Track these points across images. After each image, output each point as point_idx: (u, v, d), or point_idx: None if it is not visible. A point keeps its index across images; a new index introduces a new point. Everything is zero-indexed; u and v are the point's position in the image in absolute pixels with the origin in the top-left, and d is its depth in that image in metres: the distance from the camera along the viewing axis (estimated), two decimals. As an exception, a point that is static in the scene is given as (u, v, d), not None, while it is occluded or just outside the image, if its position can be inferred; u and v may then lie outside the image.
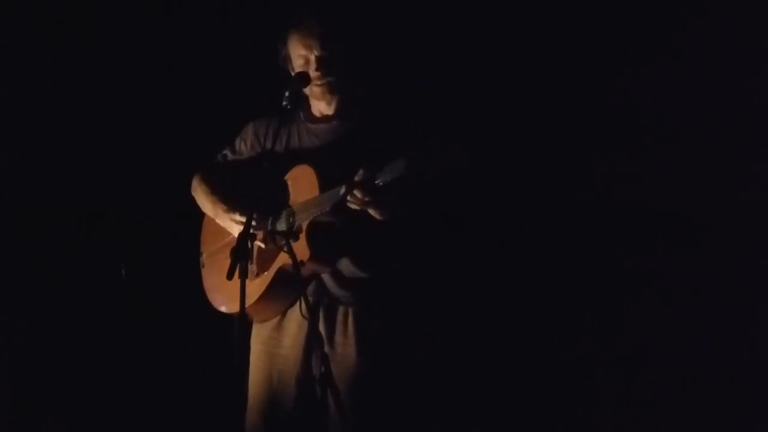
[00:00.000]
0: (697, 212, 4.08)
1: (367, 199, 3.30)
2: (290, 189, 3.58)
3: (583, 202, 4.22)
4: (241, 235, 3.17)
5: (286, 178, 3.59)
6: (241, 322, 3.31)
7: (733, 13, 4.01)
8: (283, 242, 3.37)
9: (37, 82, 4.46)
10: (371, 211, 3.38)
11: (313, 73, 3.57)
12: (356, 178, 3.27)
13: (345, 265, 3.54)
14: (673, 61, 4.06)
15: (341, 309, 3.57)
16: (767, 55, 4.03)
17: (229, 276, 3.08)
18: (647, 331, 4.18)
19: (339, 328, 3.56)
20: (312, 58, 3.58)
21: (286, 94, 3.43)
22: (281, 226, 3.54)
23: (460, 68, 4.25)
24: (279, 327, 3.64)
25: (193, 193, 3.82)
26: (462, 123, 3.74)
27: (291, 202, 3.56)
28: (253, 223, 3.48)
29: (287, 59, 3.64)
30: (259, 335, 3.69)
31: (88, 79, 4.49)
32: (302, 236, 3.46)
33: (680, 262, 4.13)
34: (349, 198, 3.30)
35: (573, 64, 4.18)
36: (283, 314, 3.63)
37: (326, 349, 3.51)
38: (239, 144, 3.80)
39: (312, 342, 3.51)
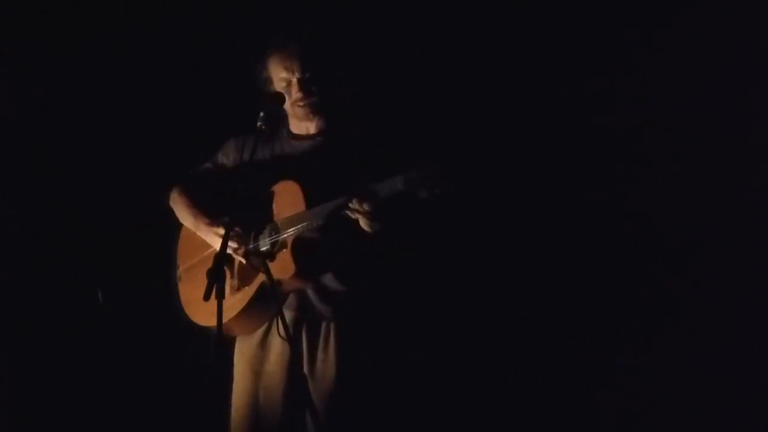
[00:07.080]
0: (697, 214, 4.08)
1: (369, 209, 3.29)
2: (274, 204, 3.55)
3: (582, 205, 4.22)
4: (216, 255, 3.14)
5: (269, 193, 3.56)
6: (219, 342, 3.23)
7: (733, 14, 4.02)
8: (260, 263, 3.36)
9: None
10: (365, 223, 3.36)
11: (295, 95, 3.58)
12: (359, 189, 3.28)
13: (329, 279, 3.54)
14: (671, 64, 4.10)
15: (324, 325, 3.55)
16: (766, 57, 4.06)
17: (206, 297, 3.06)
18: (647, 333, 4.19)
19: (321, 344, 3.55)
20: (294, 80, 3.58)
21: (261, 114, 3.43)
22: (264, 241, 3.52)
23: (448, 81, 4.27)
24: (264, 343, 3.61)
25: (172, 204, 3.76)
26: (450, 144, 3.79)
27: (275, 217, 3.53)
28: (234, 238, 3.49)
29: (268, 81, 3.63)
30: (242, 353, 3.65)
31: (60, 110, 4.49)
32: (287, 252, 3.44)
33: (680, 263, 4.13)
34: (350, 206, 3.29)
35: (573, 67, 4.20)
36: (268, 329, 3.61)
37: (308, 365, 3.52)
38: (221, 158, 3.77)
39: (295, 359, 3.50)
